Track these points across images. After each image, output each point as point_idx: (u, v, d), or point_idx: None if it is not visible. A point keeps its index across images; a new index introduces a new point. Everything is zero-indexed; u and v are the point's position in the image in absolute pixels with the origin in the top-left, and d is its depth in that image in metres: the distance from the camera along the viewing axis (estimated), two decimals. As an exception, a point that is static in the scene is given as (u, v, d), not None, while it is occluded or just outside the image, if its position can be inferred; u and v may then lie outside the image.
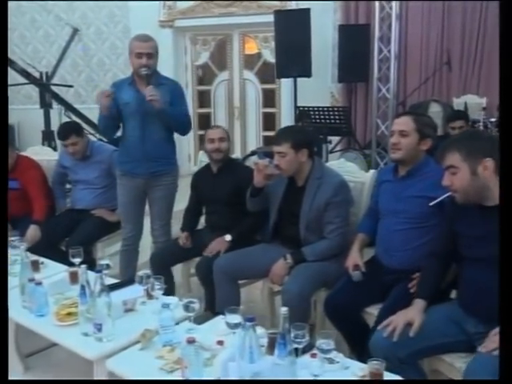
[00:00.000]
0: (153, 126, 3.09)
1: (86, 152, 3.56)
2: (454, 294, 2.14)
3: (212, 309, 2.65)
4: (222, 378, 1.69)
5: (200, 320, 2.10)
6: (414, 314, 1.96)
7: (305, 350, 1.78)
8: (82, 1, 7.67)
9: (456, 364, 1.89)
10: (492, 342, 1.71)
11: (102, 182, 3.56)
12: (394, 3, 5.59)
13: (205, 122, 7.49)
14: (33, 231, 3.31)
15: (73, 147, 3.50)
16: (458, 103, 5.80)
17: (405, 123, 2.36)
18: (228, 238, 2.91)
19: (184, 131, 3.27)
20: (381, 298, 2.29)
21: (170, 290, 2.73)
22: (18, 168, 3.53)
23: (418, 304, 2.00)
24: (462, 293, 2.01)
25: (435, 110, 5.75)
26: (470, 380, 1.71)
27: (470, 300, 1.92)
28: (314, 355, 1.76)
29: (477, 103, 5.67)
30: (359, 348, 2.25)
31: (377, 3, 5.69)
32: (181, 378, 1.71)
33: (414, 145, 2.34)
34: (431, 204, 2.15)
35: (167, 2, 7.26)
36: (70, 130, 3.53)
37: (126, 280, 2.59)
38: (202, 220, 3.32)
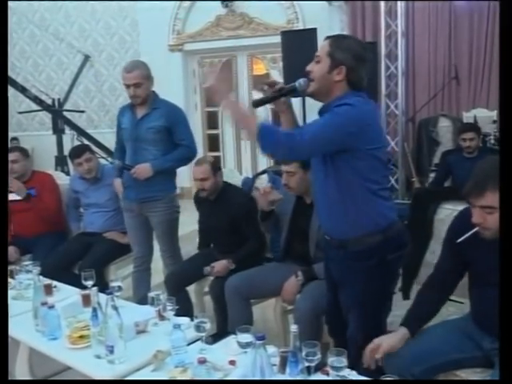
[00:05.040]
0: (145, 152, 3.13)
1: (97, 174, 3.62)
2: (467, 308, 2.11)
3: (224, 329, 2.64)
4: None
5: (212, 340, 2.09)
6: (395, 341, 1.87)
7: (317, 368, 1.76)
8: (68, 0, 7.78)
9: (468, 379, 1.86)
10: None
11: (113, 205, 3.60)
12: (399, 21, 5.65)
13: (214, 143, 7.56)
14: None
15: (88, 164, 3.57)
16: (467, 117, 5.79)
17: (321, 47, 1.97)
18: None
19: (189, 162, 3.26)
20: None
21: (187, 311, 2.73)
22: (34, 179, 3.75)
23: (402, 332, 1.89)
24: (477, 311, 1.97)
25: (444, 125, 5.75)
26: (470, 380, 1.67)
27: (486, 318, 1.88)
28: (325, 371, 1.74)
29: (487, 116, 5.66)
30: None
31: (382, 21, 5.74)
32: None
33: (324, 73, 1.92)
34: (458, 241, 1.86)
35: (176, 27, 7.40)
36: (83, 148, 3.69)
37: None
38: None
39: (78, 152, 3.61)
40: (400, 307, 2.50)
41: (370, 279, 1.99)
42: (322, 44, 1.99)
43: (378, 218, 1.97)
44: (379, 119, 2.07)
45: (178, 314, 2.22)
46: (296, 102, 6.45)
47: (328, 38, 2.00)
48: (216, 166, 3.09)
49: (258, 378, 1.60)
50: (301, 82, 1.98)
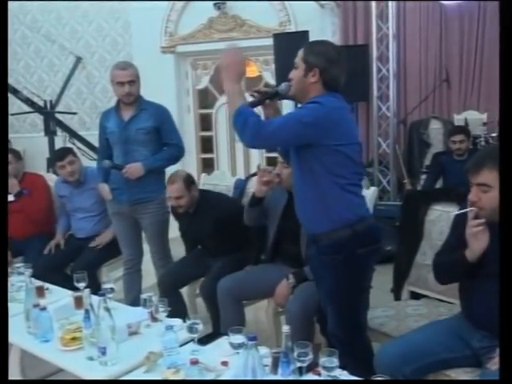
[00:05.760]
0: (135, 153, 3.14)
1: (80, 177, 3.60)
2: (457, 308, 2.13)
3: (218, 329, 2.64)
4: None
5: (204, 341, 2.10)
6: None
7: (309, 369, 1.77)
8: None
9: (462, 379, 1.88)
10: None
11: (99, 208, 3.58)
12: (390, 24, 5.68)
13: (207, 145, 7.57)
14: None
15: (70, 166, 3.55)
16: (458, 119, 5.82)
17: (298, 55, 2.13)
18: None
19: (178, 161, 3.30)
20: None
21: (181, 313, 2.74)
22: (25, 180, 3.74)
23: None
24: (470, 307, 1.98)
25: (436, 127, 5.79)
26: (470, 380, 1.68)
27: (479, 314, 1.90)
28: (317, 372, 1.75)
29: (477, 119, 5.69)
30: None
31: (374, 24, 5.77)
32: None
33: (301, 77, 2.08)
34: (455, 214, 1.93)
35: (168, 29, 7.40)
36: (66, 151, 3.67)
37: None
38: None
39: (60, 155, 3.60)
40: (392, 307, 2.53)
41: (341, 273, 2.05)
42: (299, 52, 2.12)
43: (345, 213, 2.03)
44: (350, 118, 2.21)
45: (171, 316, 2.23)
46: (290, 104, 6.47)
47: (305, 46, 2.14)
48: (189, 181, 3.05)
49: (249, 378, 1.61)
50: (282, 86, 2.14)
